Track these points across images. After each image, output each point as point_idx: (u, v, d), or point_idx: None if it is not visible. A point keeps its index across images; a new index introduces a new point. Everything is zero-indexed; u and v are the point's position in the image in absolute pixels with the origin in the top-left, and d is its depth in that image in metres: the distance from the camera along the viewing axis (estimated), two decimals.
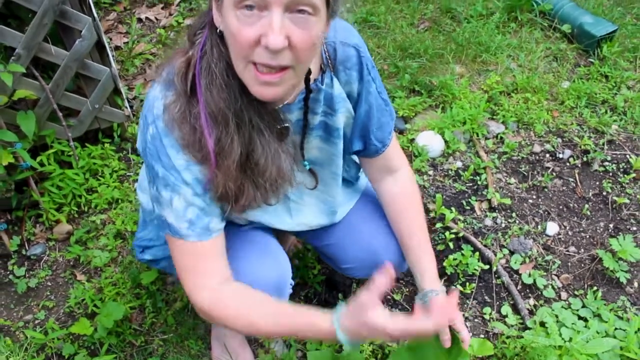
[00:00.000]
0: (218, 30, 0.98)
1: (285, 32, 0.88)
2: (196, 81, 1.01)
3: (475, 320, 1.85)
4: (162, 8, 2.97)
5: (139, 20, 2.91)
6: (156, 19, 2.92)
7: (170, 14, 2.93)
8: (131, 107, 2.43)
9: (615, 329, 1.76)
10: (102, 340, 1.78)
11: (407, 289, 1.92)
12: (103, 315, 1.76)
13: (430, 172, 2.27)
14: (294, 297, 1.90)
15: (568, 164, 2.32)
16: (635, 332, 1.72)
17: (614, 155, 2.34)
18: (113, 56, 2.51)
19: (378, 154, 1.35)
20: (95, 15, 1.96)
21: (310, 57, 0.99)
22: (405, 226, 1.40)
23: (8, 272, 2.00)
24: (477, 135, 2.38)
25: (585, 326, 1.76)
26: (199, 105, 1.00)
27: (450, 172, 2.27)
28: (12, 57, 1.87)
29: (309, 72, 1.10)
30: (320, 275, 1.94)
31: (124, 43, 2.77)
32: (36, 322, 1.88)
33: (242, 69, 0.95)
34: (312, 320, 1.07)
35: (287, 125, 1.13)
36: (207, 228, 1.11)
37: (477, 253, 1.98)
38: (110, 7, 2.94)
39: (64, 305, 1.91)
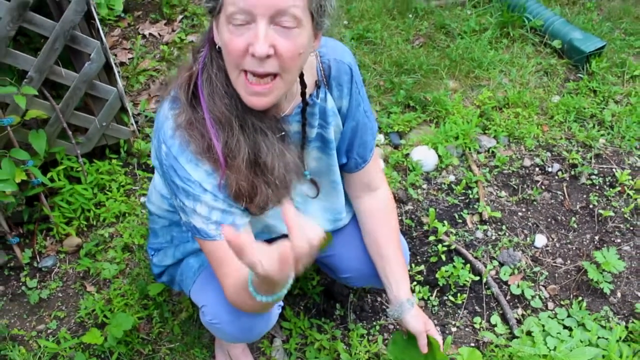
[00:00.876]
0: (217, 47, 1.08)
1: (270, 41, 0.97)
2: (198, 91, 1.11)
3: (466, 329, 1.95)
4: (165, 24, 3.06)
5: (143, 36, 3.00)
6: (159, 34, 3.01)
7: (173, 30, 3.03)
8: (136, 122, 2.52)
9: (598, 337, 1.85)
10: (112, 349, 1.87)
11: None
12: (113, 326, 1.85)
13: (424, 186, 2.36)
14: (294, 307, 2.00)
15: (557, 177, 2.42)
16: (617, 341, 1.82)
17: (601, 169, 2.44)
18: (119, 72, 2.60)
19: (358, 169, 1.45)
20: (104, 39, 2.05)
21: (297, 67, 1.06)
22: (383, 237, 1.49)
23: (21, 284, 2.10)
24: (470, 150, 2.48)
25: (570, 335, 1.86)
26: (204, 112, 1.10)
27: (443, 185, 2.37)
28: (25, 80, 1.96)
29: (305, 86, 1.20)
30: (319, 286, 2.03)
31: (129, 59, 2.86)
32: (48, 331, 1.97)
33: (235, 78, 1.05)
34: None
35: (283, 134, 1.21)
36: (233, 225, 1.18)
37: (468, 265, 2.08)
38: (114, 24, 3.03)
39: (74, 315, 2.00)
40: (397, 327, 1.92)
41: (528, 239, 2.20)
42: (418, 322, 1.43)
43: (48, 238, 2.21)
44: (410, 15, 3.12)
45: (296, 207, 1.43)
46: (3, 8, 1.78)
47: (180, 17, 3.09)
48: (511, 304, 2.01)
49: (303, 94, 1.20)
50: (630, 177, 2.37)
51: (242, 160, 1.11)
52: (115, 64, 2.49)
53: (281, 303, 1.45)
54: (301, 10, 0.97)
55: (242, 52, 0.99)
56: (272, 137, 1.14)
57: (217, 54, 1.09)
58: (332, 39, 1.26)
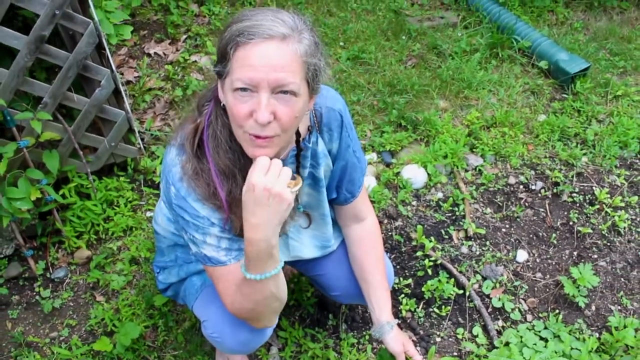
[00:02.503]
0: (222, 105, 1.21)
1: (271, 108, 1.10)
2: (204, 144, 1.25)
3: (450, 339, 2.09)
4: (170, 44, 3.21)
5: (148, 55, 3.15)
6: (164, 54, 3.16)
7: (177, 50, 3.17)
8: (142, 139, 2.67)
9: (572, 348, 1.99)
10: (120, 356, 2.02)
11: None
12: (121, 334, 2.00)
13: (414, 203, 2.50)
14: (289, 317, 2.14)
15: (539, 195, 2.56)
16: (589, 352, 1.96)
17: (582, 187, 2.58)
18: (126, 92, 2.74)
19: (347, 202, 1.59)
20: (114, 67, 2.20)
21: (295, 127, 1.21)
22: (368, 264, 1.62)
23: (35, 293, 2.24)
24: (458, 168, 2.62)
25: (545, 346, 2.00)
26: (209, 164, 1.24)
27: (431, 202, 2.51)
28: (40, 105, 2.11)
29: (299, 135, 1.34)
30: (313, 298, 2.18)
31: (135, 77, 3.01)
32: (61, 339, 2.11)
33: (240, 134, 1.18)
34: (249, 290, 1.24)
35: None
36: (240, 249, 1.31)
37: (453, 279, 2.22)
38: (121, 43, 3.18)
39: (85, 323, 2.15)
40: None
41: (510, 254, 2.34)
42: (397, 343, 1.56)
43: (60, 250, 2.36)
44: (404, 37, 3.26)
45: (290, 237, 1.58)
46: (22, 41, 1.93)
47: (184, 37, 3.24)
48: (492, 316, 2.14)
49: (297, 140, 1.34)
50: (608, 196, 2.51)
51: None
52: (122, 82, 2.64)
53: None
54: (298, 83, 1.11)
55: (245, 117, 1.12)
56: None
57: (221, 111, 1.22)
58: (324, 86, 1.40)
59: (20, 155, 2.12)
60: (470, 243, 2.36)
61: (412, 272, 2.26)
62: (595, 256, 2.33)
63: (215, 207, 1.26)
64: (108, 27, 2.19)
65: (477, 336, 2.08)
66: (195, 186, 1.24)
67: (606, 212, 2.47)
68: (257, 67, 1.06)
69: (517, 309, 2.15)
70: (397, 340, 1.56)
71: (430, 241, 2.30)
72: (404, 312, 2.15)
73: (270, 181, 1.10)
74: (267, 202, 1.11)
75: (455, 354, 2.05)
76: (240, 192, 1.23)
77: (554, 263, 2.32)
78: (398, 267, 2.28)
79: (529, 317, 2.14)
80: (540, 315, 2.14)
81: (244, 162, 1.24)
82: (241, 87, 1.09)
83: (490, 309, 2.16)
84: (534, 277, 2.27)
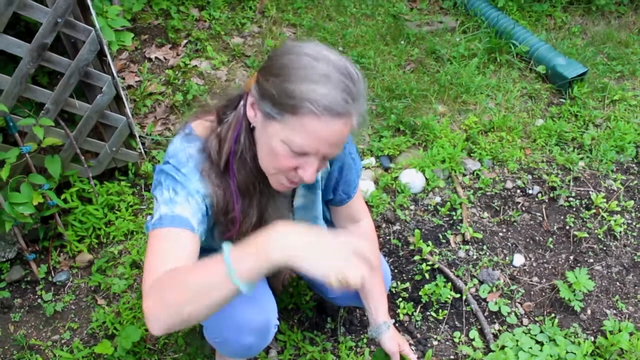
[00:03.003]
0: (251, 126, 1.23)
1: (316, 169, 1.18)
2: (230, 164, 1.26)
3: (446, 343, 2.12)
4: (170, 48, 3.23)
5: (149, 59, 3.17)
6: (165, 58, 3.19)
7: (178, 55, 3.20)
8: (143, 144, 2.70)
9: (567, 352, 2.02)
10: (121, 359, 2.04)
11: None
12: (122, 337, 2.02)
13: (412, 207, 2.53)
14: (288, 321, 2.17)
15: (536, 199, 2.59)
16: (584, 356, 1.99)
17: (578, 192, 2.60)
18: (127, 97, 2.77)
19: (343, 203, 1.62)
20: (115, 73, 2.23)
21: None
22: None
23: (37, 297, 2.27)
24: (455, 172, 2.65)
25: (541, 350, 2.02)
26: (230, 180, 1.26)
27: (429, 207, 2.53)
28: (42, 112, 2.14)
29: None
30: (312, 302, 2.20)
31: (136, 82, 3.04)
32: (63, 342, 2.14)
33: (273, 173, 1.21)
34: (205, 263, 0.99)
35: None
36: (192, 228, 1.18)
37: (450, 283, 2.24)
38: (122, 47, 3.21)
39: (87, 327, 2.18)
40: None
41: (507, 258, 2.36)
42: (392, 343, 1.59)
43: (62, 254, 2.38)
44: (403, 42, 3.29)
45: None
46: (24, 49, 1.96)
47: (185, 41, 3.26)
48: (489, 319, 2.17)
49: None
50: (605, 200, 2.53)
51: (250, 224, 1.29)
52: (123, 87, 2.67)
53: (277, 322, 1.61)
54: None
55: (291, 169, 1.17)
56: (278, 200, 1.33)
57: (249, 132, 1.23)
58: None
59: (23, 160, 2.15)
60: (467, 247, 2.38)
61: (409, 276, 2.29)
62: (591, 260, 2.35)
63: (205, 192, 1.24)
64: (109, 34, 2.22)
65: (473, 340, 2.10)
66: (208, 182, 1.24)
67: (602, 216, 2.49)
68: (321, 142, 1.11)
69: (513, 313, 2.18)
70: (392, 340, 1.59)
71: (428, 245, 2.33)
72: (401, 316, 2.18)
73: (348, 264, 0.90)
74: (325, 256, 0.91)
75: (452, 357, 2.07)
76: (252, 211, 1.27)
77: (550, 267, 2.34)
78: (396, 271, 2.30)
79: (525, 320, 2.17)
80: (536, 319, 2.17)
81: (263, 185, 1.29)
82: (300, 151, 1.13)
83: (486, 313, 2.19)
84: (531, 281, 2.29)
